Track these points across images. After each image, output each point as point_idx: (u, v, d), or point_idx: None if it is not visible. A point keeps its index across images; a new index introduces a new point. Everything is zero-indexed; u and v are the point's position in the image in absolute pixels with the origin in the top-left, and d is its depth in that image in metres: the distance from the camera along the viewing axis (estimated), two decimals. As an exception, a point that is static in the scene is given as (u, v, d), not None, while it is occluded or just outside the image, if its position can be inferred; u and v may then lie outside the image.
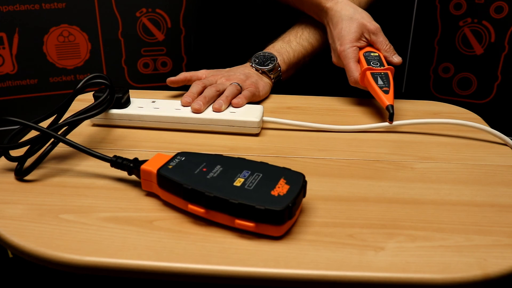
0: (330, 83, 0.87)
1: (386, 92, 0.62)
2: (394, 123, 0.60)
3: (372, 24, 0.69)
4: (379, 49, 0.69)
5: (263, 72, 0.72)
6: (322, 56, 0.81)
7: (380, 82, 0.63)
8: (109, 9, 1.12)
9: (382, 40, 0.69)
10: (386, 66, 0.66)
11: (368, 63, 0.66)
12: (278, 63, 0.73)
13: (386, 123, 0.60)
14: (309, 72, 0.81)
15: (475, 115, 0.67)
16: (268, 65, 0.72)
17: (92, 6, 1.10)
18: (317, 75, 0.86)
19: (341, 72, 0.90)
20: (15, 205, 0.44)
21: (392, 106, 0.60)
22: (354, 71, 0.67)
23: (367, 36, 0.69)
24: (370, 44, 0.70)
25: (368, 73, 0.65)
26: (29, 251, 0.38)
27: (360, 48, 0.69)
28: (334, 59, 0.72)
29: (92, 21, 1.12)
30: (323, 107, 0.69)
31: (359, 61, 0.68)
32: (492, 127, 0.60)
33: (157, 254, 0.38)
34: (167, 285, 0.48)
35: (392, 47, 0.69)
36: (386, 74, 0.65)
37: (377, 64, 0.66)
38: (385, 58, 0.68)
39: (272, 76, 0.73)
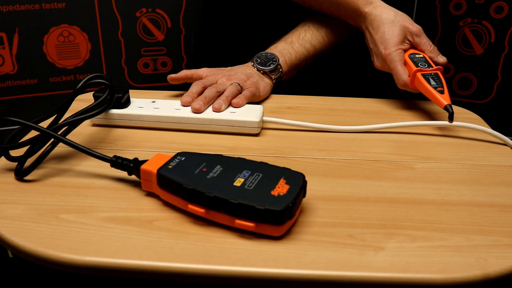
0: (330, 84, 0.87)
1: (441, 92, 0.61)
2: (393, 124, 0.60)
3: (414, 26, 0.68)
4: (423, 51, 0.68)
5: (264, 73, 0.72)
6: (323, 57, 0.81)
7: (433, 82, 0.63)
8: (109, 9, 1.12)
9: (425, 42, 0.68)
10: (434, 66, 0.65)
11: (416, 65, 0.65)
12: (280, 64, 0.73)
13: (386, 124, 0.60)
14: (310, 72, 0.81)
15: (475, 115, 0.67)
16: (270, 66, 0.72)
17: (92, 6, 1.10)
18: (317, 75, 0.86)
19: (341, 72, 0.90)
20: (15, 205, 0.44)
21: (450, 105, 0.60)
22: (402, 74, 0.65)
23: (410, 38, 0.68)
24: (413, 46, 0.69)
25: (419, 74, 0.64)
26: (29, 251, 0.38)
27: (404, 51, 0.68)
28: (377, 63, 0.71)
29: (92, 21, 1.12)
30: (323, 107, 0.69)
31: (405, 64, 0.67)
32: (492, 127, 0.60)
33: (157, 254, 0.38)
34: (167, 285, 0.48)
35: (436, 47, 0.69)
36: (437, 74, 0.64)
37: (425, 65, 0.65)
38: (431, 59, 0.67)
39: (273, 77, 0.73)
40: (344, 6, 0.73)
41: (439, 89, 0.62)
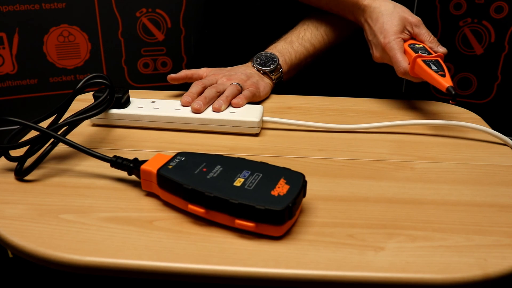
0: (330, 84, 0.87)
1: (443, 75, 0.60)
2: (393, 123, 0.60)
3: (414, 17, 0.68)
4: (423, 41, 0.68)
5: (264, 73, 0.72)
6: (323, 56, 0.81)
7: (434, 67, 0.61)
8: (109, 9, 1.12)
9: (425, 32, 0.68)
10: (434, 54, 0.64)
11: (416, 52, 0.64)
12: (280, 64, 0.73)
13: (386, 123, 0.60)
14: (310, 72, 0.81)
15: (475, 115, 0.67)
16: (270, 66, 0.72)
17: (92, 6, 1.10)
18: (317, 75, 0.86)
19: (341, 72, 0.90)
20: (15, 205, 0.44)
21: (453, 87, 0.58)
22: (402, 61, 0.65)
23: (409, 29, 0.68)
24: (412, 37, 0.69)
25: (420, 60, 0.63)
26: (29, 251, 0.38)
27: (404, 41, 0.67)
28: (376, 54, 0.70)
29: (92, 21, 1.12)
30: (323, 107, 0.69)
31: (405, 53, 0.66)
32: (492, 127, 0.60)
33: (157, 254, 0.38)
34: (167, 285, 0.48)
35: (435, 38, 0.68)
36: (437, 61, 0.63)
37: (425, 52, 0.64)
38: (430, 49, 0.66)
39: (273, 77, 0.72)
40: (343, 0, 0.73)
41: (440, 73, 0.61)
